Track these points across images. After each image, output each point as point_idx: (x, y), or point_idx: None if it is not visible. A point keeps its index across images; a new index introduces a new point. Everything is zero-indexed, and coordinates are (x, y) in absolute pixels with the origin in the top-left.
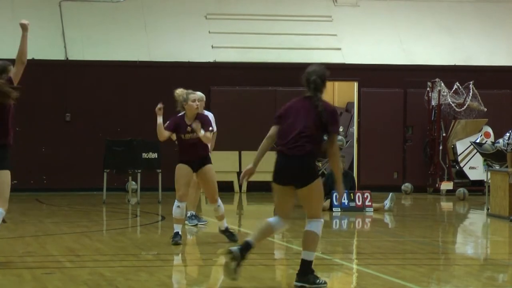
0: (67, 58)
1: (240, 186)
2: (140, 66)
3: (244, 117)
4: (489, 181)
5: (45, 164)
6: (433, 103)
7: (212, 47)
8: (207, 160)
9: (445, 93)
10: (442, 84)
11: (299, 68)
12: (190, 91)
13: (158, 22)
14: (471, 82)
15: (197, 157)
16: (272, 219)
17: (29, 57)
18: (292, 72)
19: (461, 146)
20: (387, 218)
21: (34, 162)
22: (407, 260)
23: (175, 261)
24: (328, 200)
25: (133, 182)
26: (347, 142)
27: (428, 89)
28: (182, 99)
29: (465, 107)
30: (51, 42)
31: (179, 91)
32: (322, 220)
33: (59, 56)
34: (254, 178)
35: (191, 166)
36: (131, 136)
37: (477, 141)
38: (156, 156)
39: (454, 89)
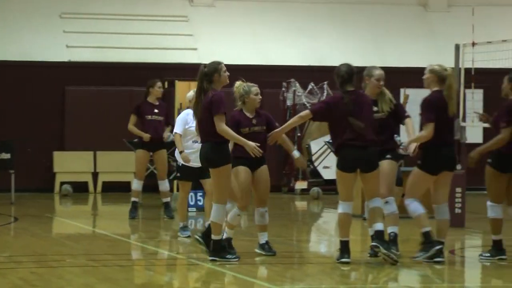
0: None
1: (95, 187)
2: None
3: (99, 117)
4: None
5: None
6: (288, 103)
7: (67, 46)
8: (264, 159)
9: (300, 93)
10: (297, 84)
11: (155, 68)
12: (250, 84)
13: (12, 20)
14: (325, 83)
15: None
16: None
17: None
18: (148, 72)
19: (315, 145)
20: (242, 218)
21: None
22: (261, 259)
23: (28, 263)
24: None
25: None
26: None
27: (283, 89)
28: (243, 91)
29: None
30: None
31: (238, 83)
32: None
33: None
34: (110, 178)
35: (249, 166)
36: None
37: (331, 140)
38: (9, 157)
39: (309, 89)
